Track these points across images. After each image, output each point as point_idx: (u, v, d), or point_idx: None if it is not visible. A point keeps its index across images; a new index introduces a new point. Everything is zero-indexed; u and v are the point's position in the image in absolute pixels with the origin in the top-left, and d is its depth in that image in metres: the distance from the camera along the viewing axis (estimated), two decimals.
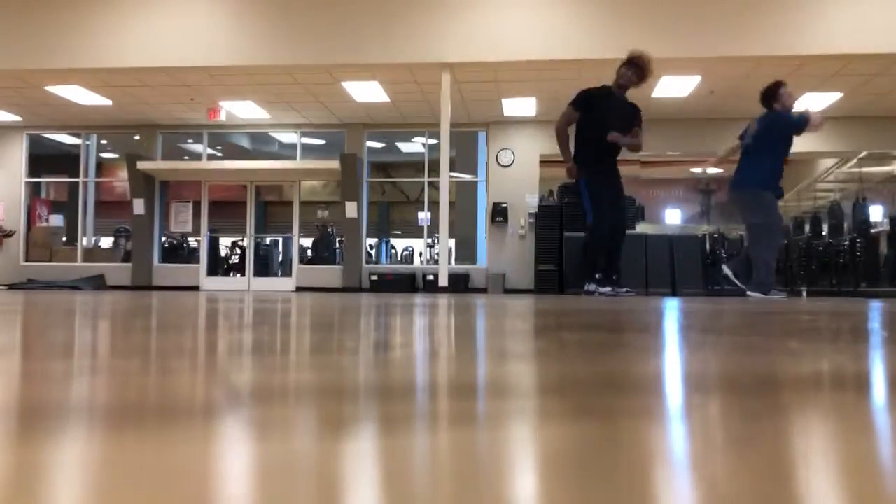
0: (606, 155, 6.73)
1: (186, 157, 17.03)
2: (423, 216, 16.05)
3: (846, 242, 12.40)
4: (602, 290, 7.01)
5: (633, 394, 0.76)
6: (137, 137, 15.94)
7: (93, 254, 16.31)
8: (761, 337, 1.70)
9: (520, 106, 13.73)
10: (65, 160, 16.82)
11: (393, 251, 19.71)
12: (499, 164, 15.01)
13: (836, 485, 0.42)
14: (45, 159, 17.09)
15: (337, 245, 16.58)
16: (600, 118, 6.59)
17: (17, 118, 15.24)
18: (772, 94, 7.17)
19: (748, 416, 0.63)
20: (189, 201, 16.25)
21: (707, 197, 21.40)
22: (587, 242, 7.09)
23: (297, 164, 15.69)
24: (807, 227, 13.63)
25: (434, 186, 13.90)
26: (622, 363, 1.08)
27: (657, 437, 0.53)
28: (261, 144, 17.89)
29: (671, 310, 3.46)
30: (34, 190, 16.82)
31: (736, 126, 14.49)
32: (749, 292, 7.04)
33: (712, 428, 0.58)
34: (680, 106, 13.73)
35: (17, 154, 16.06)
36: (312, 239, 16.97)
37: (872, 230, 11.81)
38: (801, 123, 7.05)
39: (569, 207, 12.75)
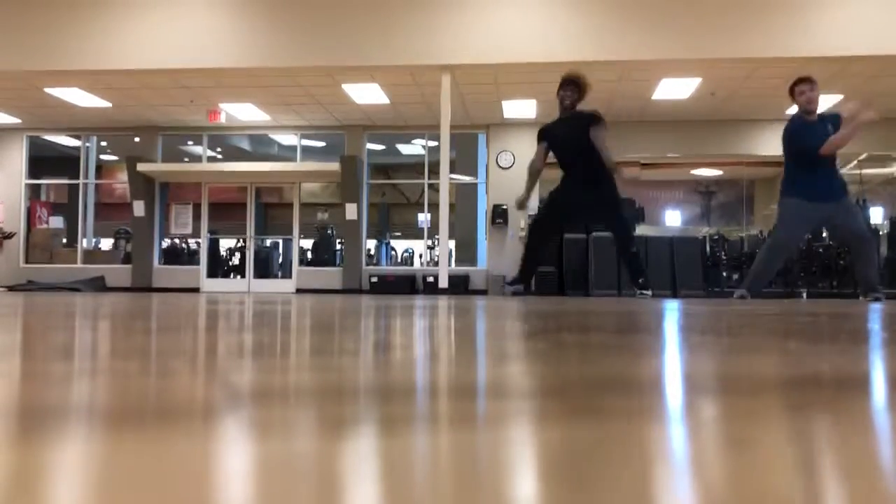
0: (574, 173, 7.13)
1: (186, 159, 17.03)
2: (423, 218, 16.05)
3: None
4: (512, 287, 7.60)
5: (632, 394, 0.76)
6: (137, 139, 15.94)
7: (93, 255, 16.32)
8: (759, 338, 1.70)
9: (520, 108, 13.73)
10: (65, 162, 16.82)
11: (393, 253, 19.69)
12: (499, 166, 15.01)
13: (836, 485, 0.42)
14: (45, 161, 17.10)
15: (337, 247, 16.58)
16: (558, 145, 7.19)
17: (16, 120, 15.24)
18: (790, 92, 6.63)
19: (747, 417, 0.63)
20: (189, 203, 16.26)
21: (707, 199, 21.39)
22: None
23: (297, 166, 15.69)
24: None
25: (434, 188, 13.91)
26: (622, 364, 1.08)
27: (657, 437, 0.53)
28: (261, 146, 17.89)
29: (671, 311, 3.46)
30: (34, 192, 16.82)
31: (736, 127, 14.59)
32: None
33: (711, 429, 0.58)
34: (680, 108, 13.73)
35: (17, 156, 16.07)
36: (312, 241, 16.95)
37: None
38: (803, 142, 6.40)
39: None
